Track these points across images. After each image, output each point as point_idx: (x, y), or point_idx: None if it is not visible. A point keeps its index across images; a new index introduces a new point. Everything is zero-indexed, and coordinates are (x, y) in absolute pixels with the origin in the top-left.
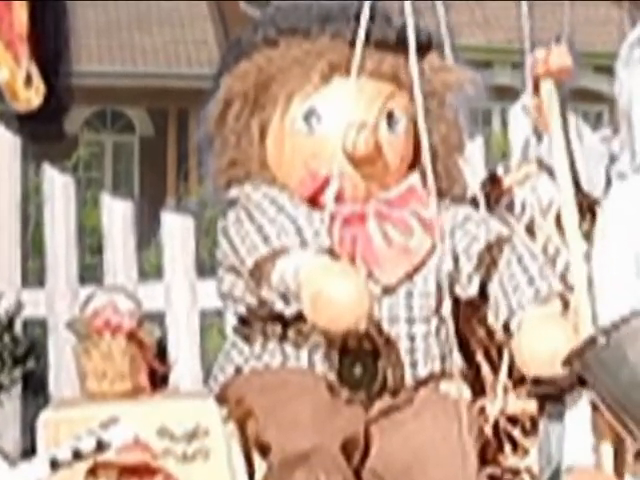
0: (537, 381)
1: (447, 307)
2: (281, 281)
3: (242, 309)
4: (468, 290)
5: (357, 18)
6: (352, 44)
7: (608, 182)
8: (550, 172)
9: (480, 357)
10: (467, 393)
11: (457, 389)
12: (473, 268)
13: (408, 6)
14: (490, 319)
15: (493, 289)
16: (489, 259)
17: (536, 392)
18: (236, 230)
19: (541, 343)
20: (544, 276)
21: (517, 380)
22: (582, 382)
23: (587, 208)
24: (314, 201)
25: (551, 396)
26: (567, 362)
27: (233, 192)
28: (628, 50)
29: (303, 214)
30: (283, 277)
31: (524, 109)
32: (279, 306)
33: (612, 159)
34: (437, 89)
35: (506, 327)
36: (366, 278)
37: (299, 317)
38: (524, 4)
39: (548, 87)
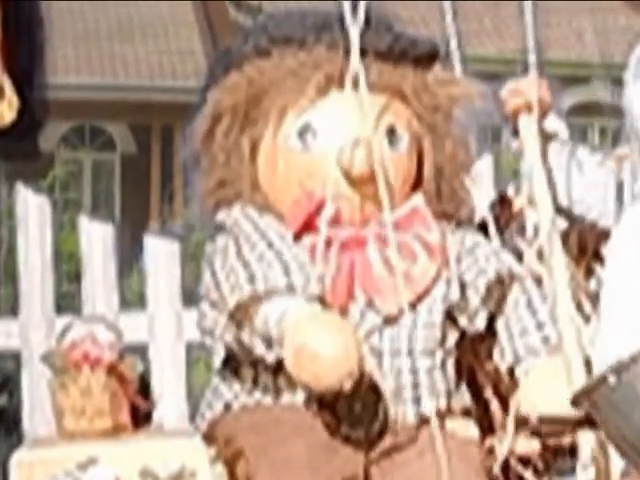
0: (542, 419)
1: (453, 339)
2: (264, 327)
3: (222, 346)
4: (474, 324)
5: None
6: (349, 55)
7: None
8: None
9: (489, 393)
10: (475, 431)
11: (464, 427)
12: (480, 301)
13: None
14: (495, 358)
15: (500, 328)
16: (498, 294)
17: (541, 430)
18: (221, 263)
19: (549, 403)
20: (554, 322)
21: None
22: (590, 422)
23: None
24: (309, 223)
25: (560, 450)
26: (575, 401)
27: (221, 216)
28: (637, 62)
29: (294, 254)
30: (266, 323)
31: (513, 148)
32: (259, 350)
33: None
34: (442, 103)
35: (511, 371)
36: (356, 332)
37: None
38: (528, 14)
39: (524, 123)
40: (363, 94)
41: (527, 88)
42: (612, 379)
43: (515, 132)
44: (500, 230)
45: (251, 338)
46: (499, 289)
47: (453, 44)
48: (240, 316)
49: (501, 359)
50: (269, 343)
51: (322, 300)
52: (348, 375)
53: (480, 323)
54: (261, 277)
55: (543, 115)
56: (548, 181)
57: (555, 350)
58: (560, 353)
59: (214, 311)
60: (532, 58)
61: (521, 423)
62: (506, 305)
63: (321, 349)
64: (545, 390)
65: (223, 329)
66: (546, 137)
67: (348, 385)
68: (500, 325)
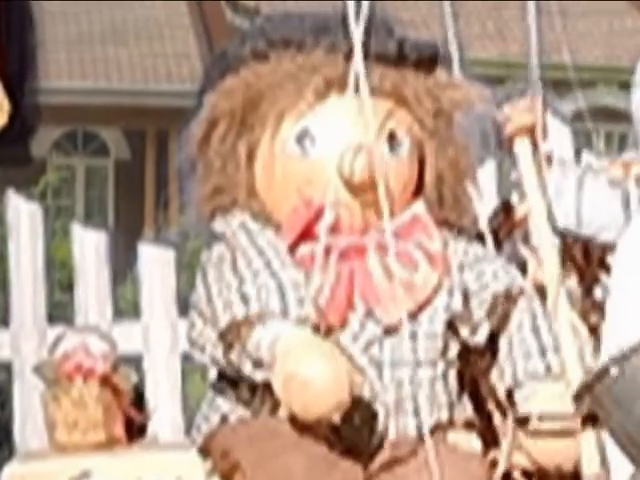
0: (543, 417)
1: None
2: (255, 351)
3: (210, 361)
4: (476, 337)
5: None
6: (350, 58)
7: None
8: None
9: (491, 405)
10: (477, 444)
11: (466, 440)
12: (483, 315)
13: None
14: (494, 378)
15: (502, 347)
16: (502, 310)
17: (542, 429)
18: (215, 275)
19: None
20: (558, 347)
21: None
22: (592, 419)
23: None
24: (308, 232)
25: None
26: (577, 397)
27: (218, 225)
28: None
29: (289, 275)
30: (258, 348)
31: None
32: (247, 369)
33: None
34: (444, 108)
35: (509, 394)
36: (349, 362)
37: None
38: (532, 18)
39: (520, 147)
40: (365, 98)
41: (523, 112)
42: (614, 370)
43: (514, 160)
44: (500, 240)
45: (240, 359)
46: (504, 305)
47: (452, 46)
48: (231, 337)
49: (500, 380)
50: (258, 364)
51: (316, 326)
52: (337, 406)
53: (481, 337)
54: (255, 297)
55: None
56: (547, 211)
57: (557, 378)
58: (562, 381)
59: (204, 324)
60: (534, 61)
61: (522, 422)
62: (510, 323)
63: (311, 379)
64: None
65: (213, 346)
66: (547, 160)
67: (337, 416)
68: (502, 344)
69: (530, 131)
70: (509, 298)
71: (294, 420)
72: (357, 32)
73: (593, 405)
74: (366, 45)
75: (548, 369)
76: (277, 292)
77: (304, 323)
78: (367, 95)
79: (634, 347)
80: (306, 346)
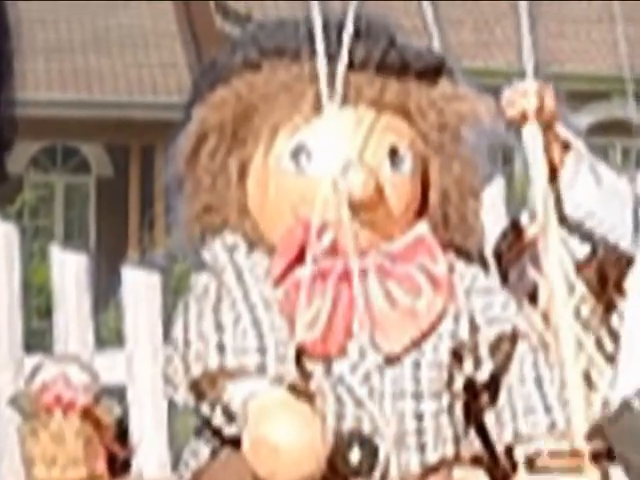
0: (553, 454)
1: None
2: (228, 407)
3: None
4: (477, 375)
5: (356, 36)
6: (350, 67)
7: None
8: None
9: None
10: None
11: (474, 476)
12: (487, 353)
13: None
14: (493, 433)
15: (501, 395)
16: (507, 348)
17: (551, 466)
18: (197, 313)
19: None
20: (563, 403)
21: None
22: (605, 455)
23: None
24: (304, 253)
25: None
26: (591, 433)
27: (206, 254)
28: None
29: (274, 324)
30: (230, 404)
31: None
32: (218, 422)
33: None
34: (449, 121)
35: (508, 451)
36: (326, 428)
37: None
38: (525, 26)
39: (528, 133)
40: (364, 111)
41: (524, 95)
42: (637, 404)
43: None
44: (508, 263)
45: (211, 411)
46: (509, 344)
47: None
48: (204, 386)
49: (498, 439)
50: (230, 419)
51: (292, 387)
52: (310, 476)
53: (483, 376)
54: (232, 349)
55: (548, 124)
56: (555, 197)
57: (562, 437)
58: (566, 440)
59: (180, 363)
60: (529, 67)
61: (532, 459)
62: (511, 373)
63: (283, 444)
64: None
65: (185, 392)
66: (564, 146)
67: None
68: (503, 393)
69: (539, 116)
70: (514, 339)
71: None
72: (319, 33)
73: (612, 440)
74: (365, 54)
75: (552, 425)
76: (256, 344)
77: (280, 382)
78: (365, 109)
79: None
80: (280, 409)
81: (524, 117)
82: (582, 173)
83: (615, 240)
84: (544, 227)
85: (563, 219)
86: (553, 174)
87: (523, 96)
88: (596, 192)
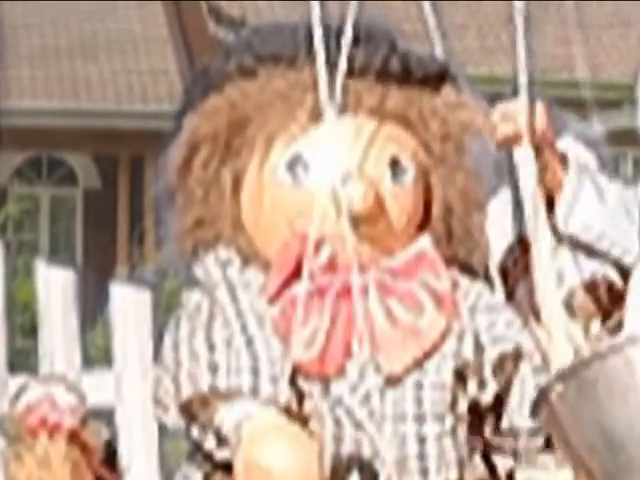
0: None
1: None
2: (219, 430)
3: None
4: (481, 396)
5: (355, 42)
6: (349, 74)
7: None
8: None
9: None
10: None
11: None
12: (491, 373)
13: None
14: (492, 456)
15: (505, 417)
16: (509, 370)
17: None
18: (188, 332)
19: None
20: None
21: None
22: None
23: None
24: (301, 269)
25: None
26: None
27: (198, 271)
28: None
29: (268, 344)
30: (221, 427)
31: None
32: (209, 446)
33: None
34: (453, 131)
35: (510, 476)
36: (322, 452)
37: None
38: (520, 32)
39: (520, 156)
40: (363, 121)
41: (517, 113)
42: (558, 388)
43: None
44: (515, 280)
45: (202, 434)
46: (512, 364)
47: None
48: (195, 408)
49: (502, 459)
50: (222, 443)
51: (287, 409)
52: None
53: (487, 397)
54: (224, 369)
55: (541, 142)
56: (552, 221)
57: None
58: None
59: (170, 384)
60: (523, 79)
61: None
62: (514, 386)
63: (276, 469)
64: None
65: (176, 414)
66: (561, 162)
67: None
68: (505, 418)
69: (531, 138)
70: (517, 359)
71: None
72: (318, 33)
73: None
74: (365, 61)
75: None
76: (250, 366)
77: (275, 404)
78: (365, 118)
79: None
80: (274, 432)
81: (513, 139)
82: (584, 192)
83: (621, 255)
84: (536, 256)
85: (562, 239)
86: (551, 197)
87: (507, 119)
88: (600, 210)
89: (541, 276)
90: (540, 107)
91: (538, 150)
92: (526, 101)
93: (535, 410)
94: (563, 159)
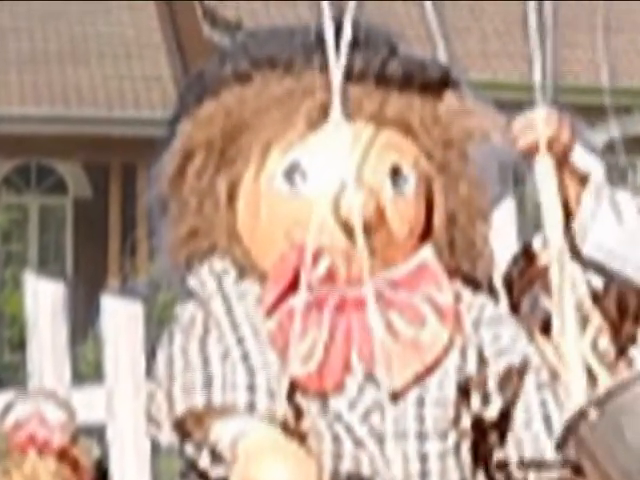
0: (526, 464)
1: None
2: (215, 447)
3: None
4: (485, 412)
5: (355, 45)
6: (348, 79)
7: None
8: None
9: None
10: None
11: None
12: (496, 387)
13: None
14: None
15: (509, 435)
16: (515, 384)
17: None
18: (182, 346)
19: None
20: None
21: None
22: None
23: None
24: (298, 281)
25: None
26: (560, 443)
27: (192, 282)
28: None
29: (264, 358)
30: (217, 444)
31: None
32: (204, 464)
33: None
34: (456, 138)
35: None
36: (320, 470)
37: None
38: (533, 37)
39: (540, 168)
40: (363, 127)
41: (538, 123)
42: (593, 413)
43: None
44: (520, 292)
45: (197, 452)
46: (518, 378)
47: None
48: (189, 425)
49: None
50: (217, 460)
51: (285, 425)
52: None
53: (492, 413)
54: (220, 385)
55: (563, 155)
56: (568, 235)
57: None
58: None
59: (163, 400)
60: (537, 82)
61: (501, 466)
62: (520, 401)
63: None
64: None
65: (170, 431)
66: (581, 179)
67: None
68: (511, 435)
69: (550, 147)
70: (523, 373)
71: None
72: (329, 34)
73: (576, 450)
74: (364, 65)
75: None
76: (246, 381)
77: (272, 420)
78: (363, 125)
79: (613, 388)
80: (271, 449)
81: (535, 149)
82: (602, 210)
83: (635, 273)
84: (559, 274)
85: (577, 255)
86: (568, 212)
87: (532, 126)
88: (617, 230)
89: (559, 297)
90: (565, 117)
91: (559, 162)
92: (547, 110)
93: (563, 441)
94: (582, 176)
